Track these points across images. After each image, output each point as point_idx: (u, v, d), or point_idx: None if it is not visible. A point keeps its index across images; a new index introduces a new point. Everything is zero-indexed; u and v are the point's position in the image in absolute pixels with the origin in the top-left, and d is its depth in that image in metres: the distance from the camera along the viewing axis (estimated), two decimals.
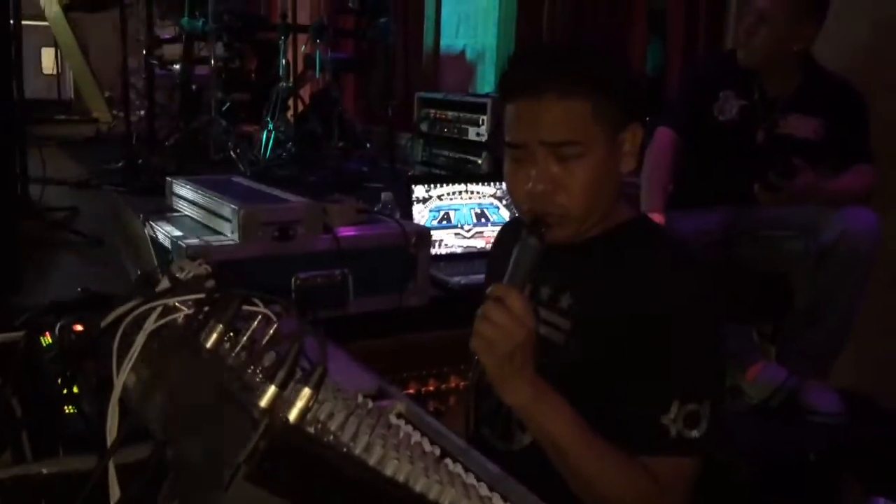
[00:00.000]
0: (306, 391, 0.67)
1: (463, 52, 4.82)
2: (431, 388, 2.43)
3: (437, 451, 0.89)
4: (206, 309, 0.84)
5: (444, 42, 5.04)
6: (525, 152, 1.14)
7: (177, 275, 0.92)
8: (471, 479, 0.85)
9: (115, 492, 0.82)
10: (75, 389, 1.04)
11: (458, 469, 0.87)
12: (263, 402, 0.68)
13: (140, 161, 3.76)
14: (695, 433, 1.08)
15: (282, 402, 0.68)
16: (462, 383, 2.49)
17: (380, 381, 1.21)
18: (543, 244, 1.10)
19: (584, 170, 1.12)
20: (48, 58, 7.29)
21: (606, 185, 1.16)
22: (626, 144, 1.17)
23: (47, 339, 1.32)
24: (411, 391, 2.18)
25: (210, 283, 0.91)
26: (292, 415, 0.66)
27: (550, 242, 1.13)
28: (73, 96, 7.33)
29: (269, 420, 0.62)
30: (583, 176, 1.12)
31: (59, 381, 1.02)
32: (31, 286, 2.14)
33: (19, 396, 1.11)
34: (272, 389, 0.68)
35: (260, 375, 0.77)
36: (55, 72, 7.42)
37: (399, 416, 1.04)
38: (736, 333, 2.39)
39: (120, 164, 3.83)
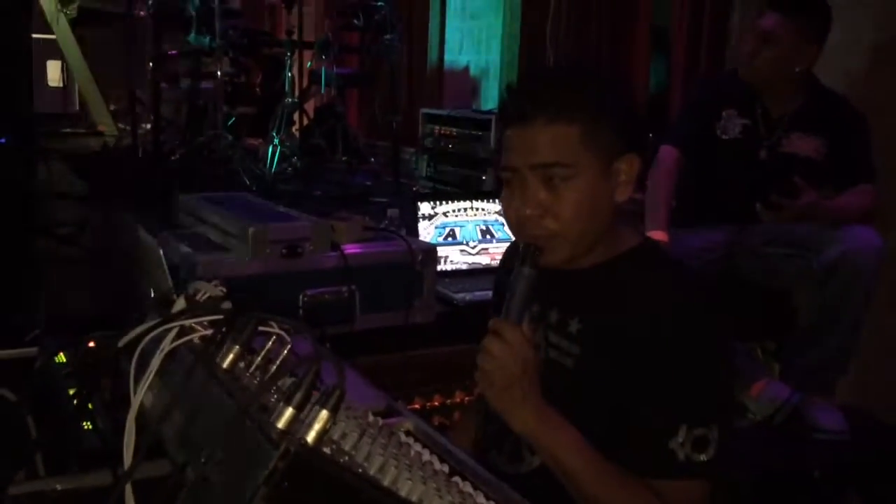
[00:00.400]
0: (324, 413, 0.68)
1: (467, 69, 4.86)
2: (437, 404, 2.45)
3: (446, 469, 0.91)
4: (223, 330, 0.86)
5: (447, 58, 5.08)
6: (517, 177, 1.17)
7: (194, 296, 0.94)
8: (480, 499, 0.86)
9: None
10: (90, 406, 1.05)
11: (468, 488, 0.88)
12: (281, 424, 0.69)
13: (147, 175, 3.78)
14: (703, 457, 1.09)
15: (298, 424, 0.70)
16: (467, 398, 2.50)
17: (387, 398, 1.23)
18: (537, 271, 1.12)
19: (571, 193, 1.13)
20: (54, 70, 7.33)
21: (598, 211, 1.16)
22: (621, 174, 1.18)
23: (59, 357, 1.34)
24: (416, 406, 2.19)
25: (226, 305, 0.93)
26: (310, 437, 0.67)
27: (546, 266, 1.14)
28: (78, 109, 7.37)
29: (289, 442, 0.64)
30: (570, 200, 1.13)
31: (75, 397, 1.03)
32: (39, 302, 2.16)
33: (34, 414, 1.12)
34: (289, 411, 0.70)
35: (276, 396, 0.78)
36: (61, 84, 7.46)
37: (408, 433, 1.05)
38: (740, 351, 2.40)
39: (127, 178, 3.86)
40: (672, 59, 3.54)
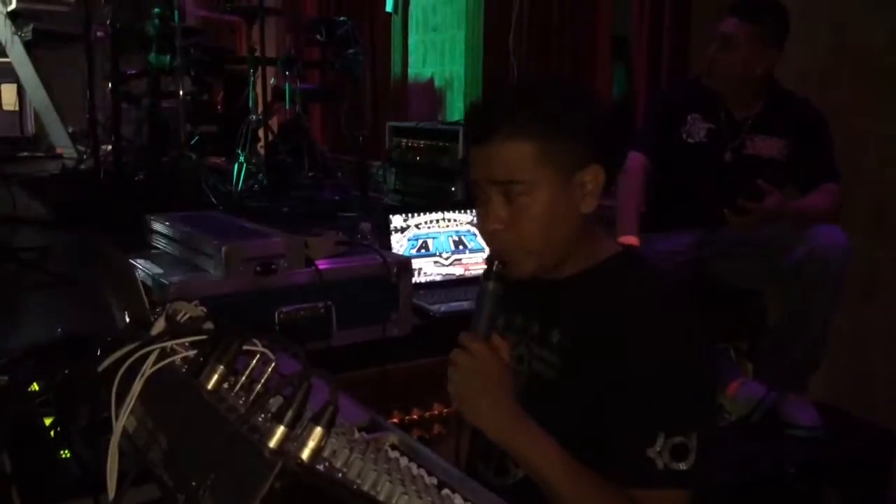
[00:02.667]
0: (318, 430, 0.67)
1: (431, 81, 4.88)
2: (415, 417, 2.43)
3: (435, 482, 0.90)
4: (207, 350, 0.84)
5: (411, 71, 5.09)
6: (482, 193, 1.20)
7: (174, 317, 0.92)
8: None
9: None
10: (69, 434, 1.02)
11: (459, 500, 0.87)
12: (273, 443, 0.68)
13: (110, 197, 3.72)
14: (682, 465, 1.09)
15: (290, 443, 0.69)
16: (445, 410, 2.49)
17: (370, 413, 1.22)
18: (501, 286, 1.15)
19: (530, 208, 1.16)
20: (9, 94, 7.20)
21: (560, 223, 1.18)
22: (586, 185, 1.19)
23: (32, 385, 1.30)
24: (395, 420, 2.18)
25: (208, 325, 0.91)
26: (305, 454, 0.66)
27: (515, 278, 1.18)
28: (33, 132, 7.23)
29: (285, 460, 0.63)
30: (530, 214, 1.16)
31: (54, 426, 1.00)
32: (3, 329, 2.10)
33: (9, 446, 1.09)
34: (281, 429, 0.69)
35: (262, 416, 0.77)
36: (16, 108, 7.32)
37: (393, 447, 1.04)
38: (714, 352, 2.43)
39: (89, 201, 3.78)
40: (634, 68, 3.58)
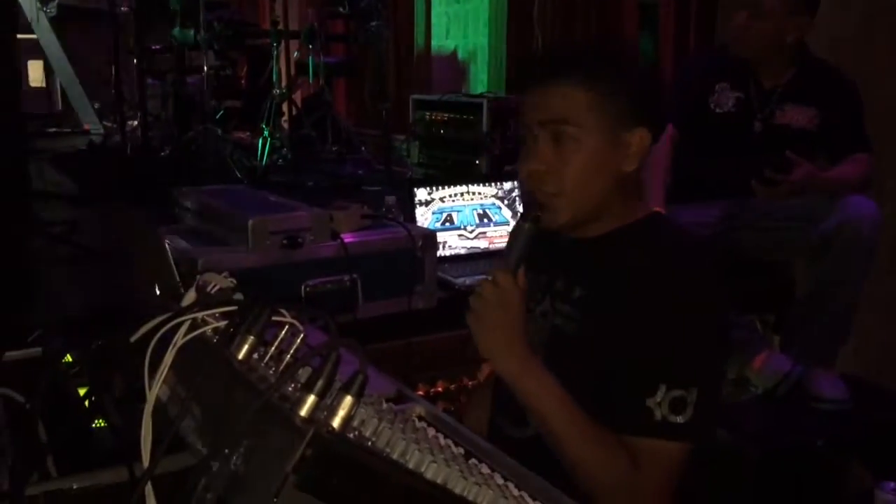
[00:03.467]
0: (349, 399, 0.68)
1: (454, 53, 4.84)
2: (440, 389, 2.44)
3: (462, 452, 0.91)
4: (238, 321, 0.85)
5: (434, 43, 5.06)
6: (529, 136, 1.22)
7: (204, 288, 0.93)
8: (499, 479, 0.86)
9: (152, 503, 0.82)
10: (104, 404, 1.04)
11: (486, 469, 0.88)
12: (304, 412, 0.69)
13: (137, 172, 3.75)
14: (679, 419, 1.11)
15: (320, 411, 0.70)
16: (471, 383, 2.51)
17: (397, 384, 1.23)
18: (536, 228, 1.17)
19: (577, 156, 1.18)
20: (35, 70, 7.26)
21: (601, 177, 1.20)
22: (631, 146, 1.21)
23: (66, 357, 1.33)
24: (420, 393, 2.19)
25: (238, 296, 0.92)
26: (336, 422, 0.67)
27: (548, 227, 1.20)
28: (60, 108, 7.30)
29: (317, 428, 0.63)
30: (575, 161, 1.18)
31: (88, 396, 1.02)
32: (36, 302, 2.14)
33: (44, 416, 1.11)
34: (312, 398, 0.70)
35: (293, 385, 0.78)
36: (43, 84, 7.39)
37: (420, 418, 1.05)
38: (741, 324, 2.41)
39: (116, 176, 3.83)
40: (661, 36, 3.53)
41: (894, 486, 1.88)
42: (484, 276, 1.17)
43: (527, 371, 1.14)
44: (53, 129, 6.55)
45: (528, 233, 1.16)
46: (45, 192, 3.37)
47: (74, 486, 1.02)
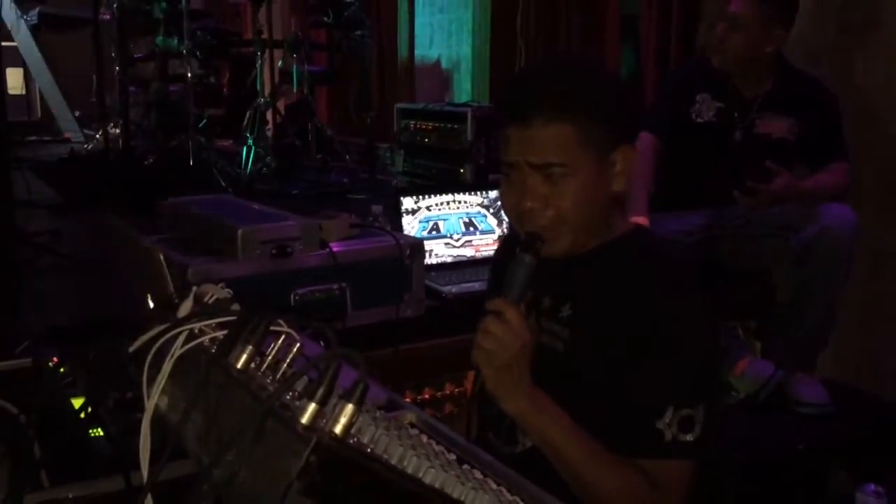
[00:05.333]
0: (350, 407, 0.69)
1: (438, 62, 4.87)
2: (427, 397, 2.46)
3: (454, 458, 0.92)
4: (237, 331, 0.86)
5: (418, 52, 5.08)
6: (517, 172, 1.21)
7: (201, 299, 0.95)
8: (491, 484, 0.88)
9: None
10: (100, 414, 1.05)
11: (478, 474, 0.90)
12: (305, 419, 0.70)
13: (120, 180, 3.73)
14: (689, 437, 1.13)
15: (321, 419, 0.71)
16: (458, 390, 2.52)
17: (388, 392, 1.24)
18: (536, 260, 1.16)
19: (570, 188, 1.18)
20: (14, 78, 7.20)
21: (595, 203, 1.21)
22: (617, 165, 1.22)
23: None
24: (407, 400, 2.21)
25: (235, 306, 0.93)
26: (338, 429, 0.69)
27: (546, 256, 1.18)
28: (39, 116, 7.25)
29: (319, 435, 0.65)
30: (570, 194, 1.18)
31: (85, 406, 1.03)
32: (21, 312, 2.13)
33: (38, 427, 1.11)
34: (312, 406, 0.71)
35: (291, 394, 0.79)
36: (23, 92, 7.33)
37: (411, 425, 1.07)
38: (722, 330, 2.45)
39: (99, 185, 3.81)
40: (642, 48, 3.57)
41: (875, 489, 1.92)
42: (487, 310, 1.13)
43: (536, 407, 1.13)
44: (33, 138, 6.49)
45: (530, 265, 1.15)
46: (28, 201, 3.34)
47: (70, 496, 1.02)
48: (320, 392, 0.71)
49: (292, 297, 1.82)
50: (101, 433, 1.07)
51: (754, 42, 2.42)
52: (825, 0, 2.72)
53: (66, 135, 6.35)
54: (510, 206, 1.24)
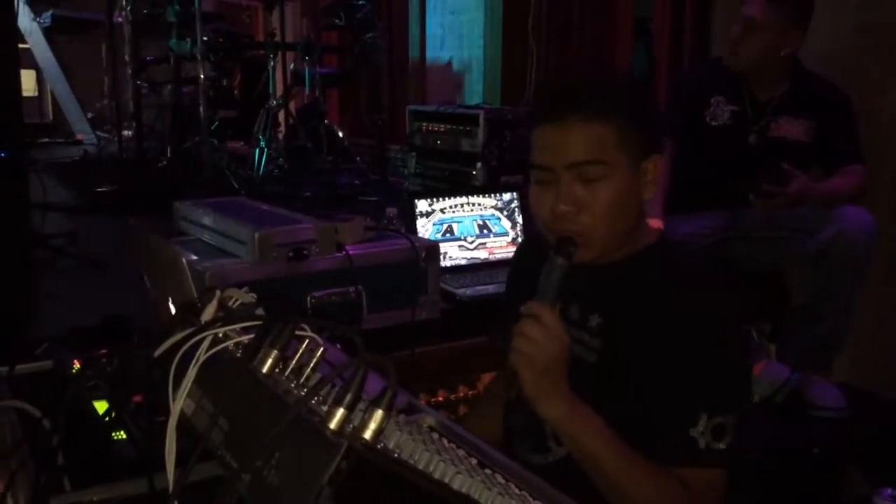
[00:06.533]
0: (380, 413, 0.70)
1: (449, 64, 4.87)
2: (441, 399, 2.46)
3: (475, 462, 0.93)
4: (263, 335, 0.87)
5: (429, 54, 5.09)
6: (550, 175, 1.19)
7: (226, 303, 0.95)
8: (514, 489, 0.88)
9: None
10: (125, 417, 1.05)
11: (500, 479, 0.90)
12: (333, 425, 0.71)
13: (134, 182, 3.76)
14: (722, 444, 1.13)
15: (348, 424, 0.72)
16: (471, 393, 2.52)
17: (407, 395, 1.24)
18: (571, 263, 1.15)
19: (607, 192, 1.17)
20: (28, 80, 7.25)
21: (628, 209, 1.20)
22: (648, 174, 1.22)
23: (78, 367, 1.34)
24: (421, 402, 2.21)
25: (259, 311, 0.94)
26: (368, 435, 0.69)
27: (576, 262, 1.17)
28: (52, 119, 7.29)
29: (350, 441, 0.65)
30: (606, 197, 1.17)
31: (110, 410, 1.04)
32: (39, 314, 2.14)
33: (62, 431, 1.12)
34: (341, 412, 0.71)
35: (316, 399, 0.79)
36: (35, 94, 7.37)
37: (431, 429, 1.07)
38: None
39: (112, 187, 3.83)
40: (655, 49, 3.57)
41: (891, 493, 1.91)
42: (523, 314, 1.12)
43: (574, 412, 1.12)
44: (46, 140, 6.53)
45: (563, 268, 1.14)
46: (43, 203, 3.36)
47: (95, 499, 1.03)
48: (348, 398, 0.72)
49: (308, 300, 1.83)
50: (125, 437, 1.08)
51: (770, 45, 2.41)
52: (840, 2, 2.71)
53: (79, 137, 6.38)
54: (542, 209, 1.22)
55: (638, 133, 1.18)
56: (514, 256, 1.59)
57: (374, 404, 0.70)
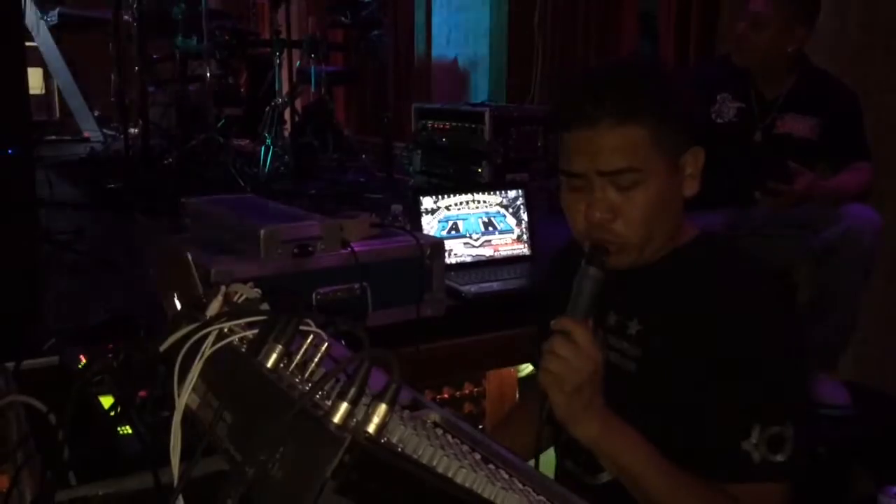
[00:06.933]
0: (383, 407, 0.70)
1: (455, 62, 4.87)
2: (446, 396, 2.47)
3: (479, 457, 0.93)
4: (266, 330, 0.87)
5: (435, 52, 5.09)
6: (583, 181, 1.13)
7: (230, 298, 0.95)
8: (517, 484, 0.88)
9: None
10: (131, 412, 1.06)
11: (504, 475, 0.90)
12: (337, 419, 0.71)
13: (140, 180, 3.77)
14: (780, 457, 1.04)
15: (352, 419, 0.72)
16: (476, 390, 2.53)
17: (412, 391, 1.25)
18: (604, 274, 1.08)
19: (643, 197, 1.10)
20: (35, 78, 7.28)
21: (667, 211, 1.13)
22: (687, 168, 1.15)
23: (83, 363, 1.35)
24: (427, 399, 2.21)
25: (264, 306, 0.94)
26: (371, 429, 0.69)
27: (612, 268, 1.11)
28: (59, 116, 7.32)
29: (354, 435, 0.65)
30: (642, 203, 1.10)
31: (116, 405, 1.04)
32: (46, 310, 2.15)
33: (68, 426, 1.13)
34: (344, 406, 0.72)
35: (321, 393, 0.80)
36: (42, 92, 7.40)
37: (435, 424, 1.07)
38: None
39: (119, 184, 3.85)
40: (661, 46, 3.56)
41: None
42: (554, 330, 1.05)
43: (610, 433, 1.05)
44: (53, 137, 6.56)
45: (597, 279, 1.07)
46: (50, 200, 3.37)
47: (100, 493, 1.04)
48: (352, 392, 0.72)
49: (314, 296, 1.83)
50: (130, 431, 1.08)
51: (776, 41, 2.41)
52: None
53: (86, 134, 6.41)
54: (576, 217, 1.15)
55: (673, 129, 1.11)
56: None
57: (378, 398, 0.71)
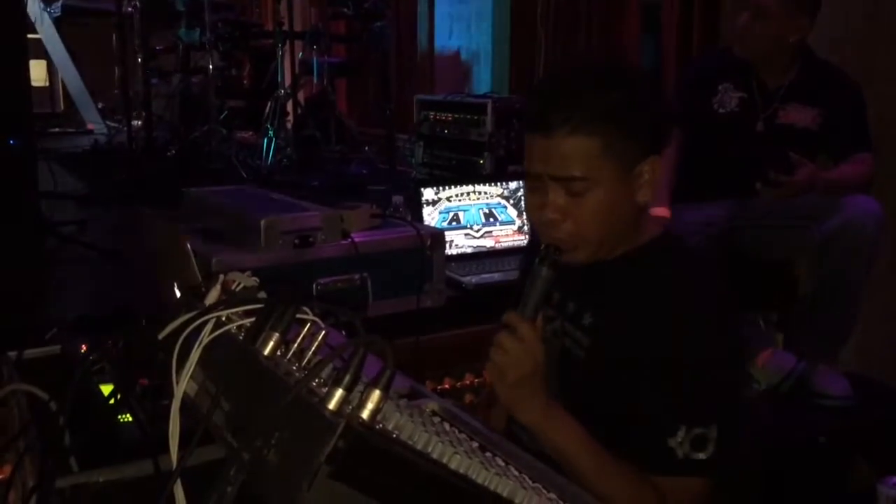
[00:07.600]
0: (377, 393, 0.71)
1: (457, 53, 4.86)
2: (447, 387, 2.47)
3: (476, 445, 0.93)
4: (263, 318, 0.87)
5: (437, 43, 5.08)
6: (539, 182, 1.18)
7: (229, 287, 0.96)
8: (514, 471, 0.89)
9: (180, 496, 0.85)
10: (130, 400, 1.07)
11: (500, 462, 0.91)
12: (332, 405, 0.72)
13: (143, 172, 3.78)
14: (702, 455, 1.12)
15: (347, 405, 0.72)
16: (477, 380, 2.53)
17: (410, 381, 1.25)
18: (555, 273, 1.14)
19: (593, 202, 1.14)
20: (38, 70, 7.28)
21: (618, 215, 1.17)
22: (643, 176, 1.17)
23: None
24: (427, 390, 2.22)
25: (261, 294, 0.95)
26: (365, 415, 0.70)
27: (567, 264, 1.16)
28: (62, 108, 7.33)
29: (348, 420, 0.66)
30: (591, 208, 1.15)
31: (115, 392, 1.05)
32: (48, 300, 2.17)
33: (68, 413, 1.14)
34: (339, 392, 0.72)
35: (317, 380, 0.80)
36: (46, 84, 7.41)
37: (433, 413, 1.08)
38: (744, 322, 2.43)
39: (122, 176, 3.86)
40: (664, 38, 3.55)
41: None
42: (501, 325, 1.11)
43: (548, 419, 1.13)
44: (56, 129, 6.57)
45: (547, 279, 1.13)
46: (53, 191, 3.39)
47: (101, 479, 1.04)
48: (347, 378, 0.73)
49: (315, 286, 1.84)
50: (130, 419, 1.09)
51: (778, 31, 2.40)
52: None
53: (89, 126, 6.42)
54: (533, 215, 1.23)
55: (631, 140, 1.14)
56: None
57: (372, 385, 0.71)
